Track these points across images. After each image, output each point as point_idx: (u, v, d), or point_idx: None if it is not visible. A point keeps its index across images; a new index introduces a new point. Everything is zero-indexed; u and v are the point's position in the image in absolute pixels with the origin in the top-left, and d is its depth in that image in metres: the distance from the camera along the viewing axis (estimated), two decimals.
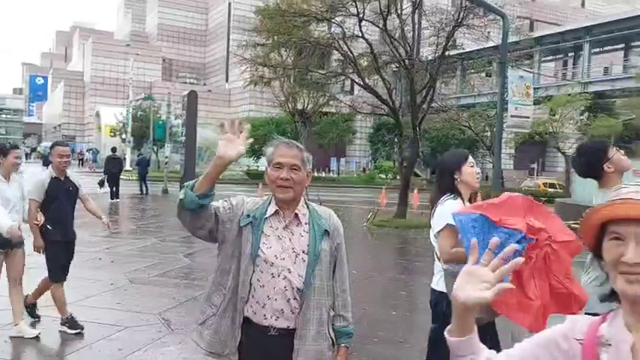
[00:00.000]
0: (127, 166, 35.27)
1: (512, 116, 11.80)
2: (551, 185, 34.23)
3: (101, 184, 18.02)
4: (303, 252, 2.05)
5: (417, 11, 15.01)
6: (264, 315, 2.02)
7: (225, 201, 2.11)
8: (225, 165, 1.94)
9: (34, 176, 4.88)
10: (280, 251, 2.04)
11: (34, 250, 4.86)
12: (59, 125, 71.79)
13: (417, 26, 15.06)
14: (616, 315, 1.14)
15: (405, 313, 6.33)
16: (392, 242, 12.23)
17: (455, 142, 43.82)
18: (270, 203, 2.12)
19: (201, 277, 7.58)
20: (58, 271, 4.96)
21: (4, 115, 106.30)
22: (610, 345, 1.10)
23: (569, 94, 32.33)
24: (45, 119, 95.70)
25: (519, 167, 54.21)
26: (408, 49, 14.71)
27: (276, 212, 2.09)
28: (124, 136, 40.70)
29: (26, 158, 51.54)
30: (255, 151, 42.54)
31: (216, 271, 2.15)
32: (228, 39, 63.21)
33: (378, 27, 15.21)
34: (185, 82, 63.37)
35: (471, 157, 3.21)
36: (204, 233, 2.05)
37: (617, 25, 42.30)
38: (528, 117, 12.39)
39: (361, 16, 15.09)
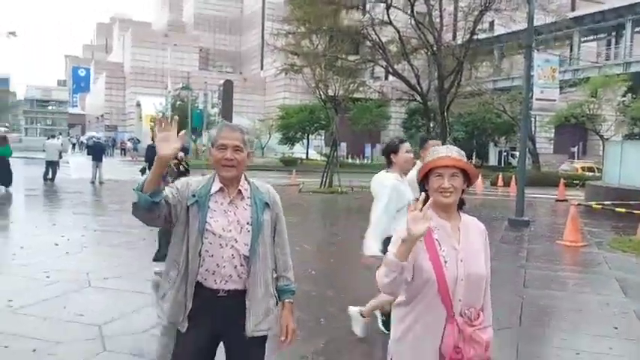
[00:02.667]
0: None
1: (537, 99, 11.94)
2: (590, 169, 33.63)
3: (143, 171, 18.83)
4: (248, 223, 2.30)
5: None
6: (215, 280, 2.26)
7: (171, 187, 2.27)
8: (165, 163, 2.11)
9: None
10: (227, 224, 2.27)
11: None
12: (101, 116, 74.03)
13: (444, 12, 15.18)
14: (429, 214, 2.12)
15: None
16: None
17: (491, 126, 43.35)
18: (214, 181, 2.34)
19: None
20: None
21: (50, 107, 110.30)
22: (438, 229, 2.10)
23: (607, 76, 31.58)
24: (88, 110, 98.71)
25: (560, 151, 53.14)
26: (436, 34, 14.88)
27: (220, 189, 2.31)
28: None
29: (72, 149, 53.69)
30: (289, 139, 43.33)
31: (171, 249, 2.35)
32: (263, 27, 63.75)
33: (407, 13, 15.44)
34: (221, 72, 64.34)
35: None
36: (160, 222, 2.25)
37: None
38: (555, 99, 12.47)
39: (389, 2, 15.33)
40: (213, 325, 2.30)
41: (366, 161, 48.07)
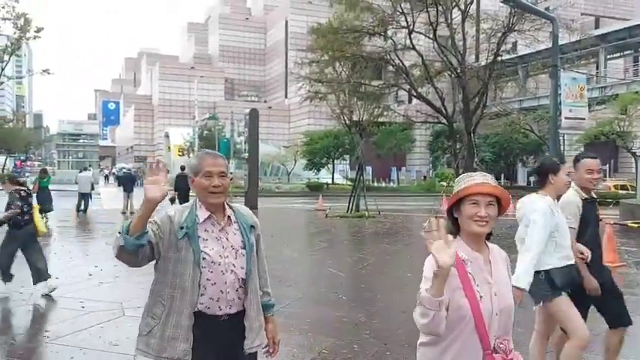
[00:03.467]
0: None
1: (566, 118, 11.82)
2: (623, 187, 32.82)
3: (172, 200, 19.17)
4: (241, 247, 2.35)
5: (466, 20, 15.21)
6: (219, 307, 2.28)
7: (151, 223, 2.21)
8: (153, 206, 2.09)
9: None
10: (222, 250, 2.30)
11: (591, 293, 3.76)
12: (131, 147, 75.68)
13: (466, 35, 15.25)
14: (458, 245, 2.02)
15: None
16: None
17: (519, 146, 42.84)
18: (198, 209, 2.34)
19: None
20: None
21: (81, 140, 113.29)
22: (471, 262, 2.02)
23: (636, 92, 31.06)
24: (118, 142, 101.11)
25: None
26: (460, 57, 14.92)
27: (208, 217, 2.32)
28: (191, 155, 42.77)
29: (105, 181, 54.86)
30: (314, 164, 43.56)
31: (154, 284, 2.34)
32: (287, 56, 64.84)
33: (429, 37, 15.56)
34: (247, 101, 65.45)
35: None
36: (144, 262, 2.23)
37: None
38: (583, 118, 12.33)
39: (411, 28, 15.50)
40: (216, 350, 2.31)
41: (392, 184, 47.94)
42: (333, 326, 5.82)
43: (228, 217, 2.39)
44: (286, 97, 67.20)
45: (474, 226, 2.01)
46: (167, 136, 59.12)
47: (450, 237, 1.87)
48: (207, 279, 2.25)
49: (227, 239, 2.34)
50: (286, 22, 68.30)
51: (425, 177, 50.97)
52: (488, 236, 2.09)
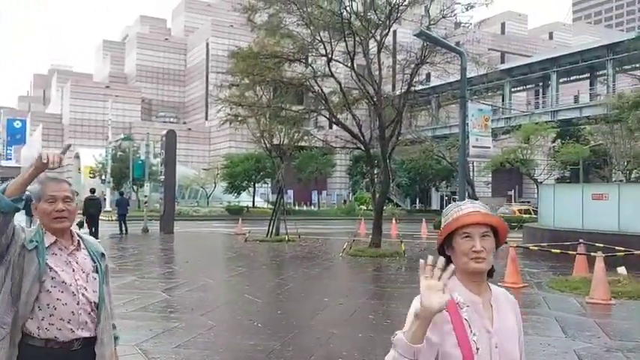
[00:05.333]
0: (107, 207, 35.25)
1: (473, 147, 12.55)
2: (526, 211, 35.07)
3: (80, 225, 18.17)
4: (92, 271, 2.35)
5: (382, 51, 15.80)
6: (71, 329, 2.23)
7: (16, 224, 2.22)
8: (41, 172, 2.13)
9: None
10: (72, 273, 2.28)
11: None
12: None
13: (382, 65, 15.84)
14: (454, 287, 1.69)
15: (369, 335, 6.74)
16: (365, 271, 12.64)
17: (432, 171, 44.91)
18: (43, 234, 2.30)
19: (179, 309, 7.91)
20: None
21: None
22: (468, 306, 1.68)
23: (537, 123, 33.61)
24: (23, 162, 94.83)
25: (498, 194, 55.31)
26: (376, 86, 15.44)
27: (55, 242, 2.30)
28: (103, 177, 40.85)
29: None
30: (235, 187, 43.02)
31: (6, 293, 2.22)
32: (207, 78, 64.14)
33: (347, 66, 16.01)
34: (165, 122, 63.73)
35: None
36: (2, 243, 2.16)
37: (583, 55, 44.16)
38: (489, 147, 13.16)
39: (330, 56, 15.88)
40: None
41: (313, 208, 48.29)
42: (246, 356, 5.70)
43: (78, 242, 2.38)
44: (207, 119, 66.18)
45: (472, 264, 1.69)
46: (77, 157, 56.17)
47: (455, 284, 1.61)
48: (58, 299, 2.22)
49: (77, 263, 2.33)
50: (207, 44, 67.68)
51: (345, 201, 51.81)
52: (490, 274, 1.76)
